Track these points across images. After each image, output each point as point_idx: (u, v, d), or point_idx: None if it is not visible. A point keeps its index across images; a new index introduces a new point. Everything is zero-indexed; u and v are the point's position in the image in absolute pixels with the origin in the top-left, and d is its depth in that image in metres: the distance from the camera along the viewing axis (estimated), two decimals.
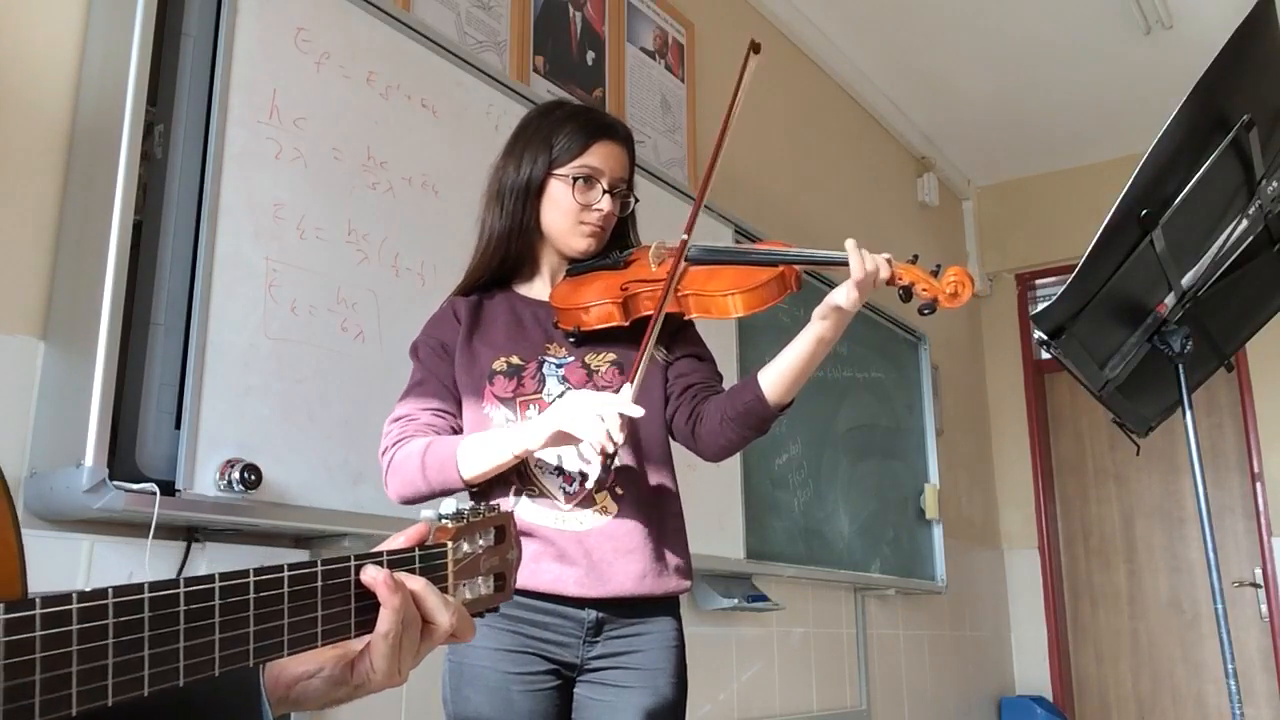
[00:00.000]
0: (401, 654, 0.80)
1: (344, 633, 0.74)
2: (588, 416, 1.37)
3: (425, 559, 0.82)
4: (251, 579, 0.67)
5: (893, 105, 4.95)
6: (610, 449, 1.37)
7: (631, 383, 1.48)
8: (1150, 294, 2.20)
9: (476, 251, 1.65)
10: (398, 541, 0.85)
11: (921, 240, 5.14)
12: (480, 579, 0.88)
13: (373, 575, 0.77)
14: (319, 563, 0.73)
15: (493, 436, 1.46)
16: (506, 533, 0.93)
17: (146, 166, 1.76)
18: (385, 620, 0.78)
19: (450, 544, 0.85)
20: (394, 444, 1.51)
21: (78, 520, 1.65)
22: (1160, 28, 4.25)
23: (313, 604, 0.71)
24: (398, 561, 0.80)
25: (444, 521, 0.87)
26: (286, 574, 0.70)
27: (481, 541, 0.89)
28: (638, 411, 1.41)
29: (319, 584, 0.72)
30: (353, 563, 0.76)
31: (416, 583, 0.80)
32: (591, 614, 1.50)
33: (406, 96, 2.22)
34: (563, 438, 1.40)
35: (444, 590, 0.84)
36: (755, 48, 1.50)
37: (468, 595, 0.86)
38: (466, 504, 0.90)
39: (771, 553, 3.30)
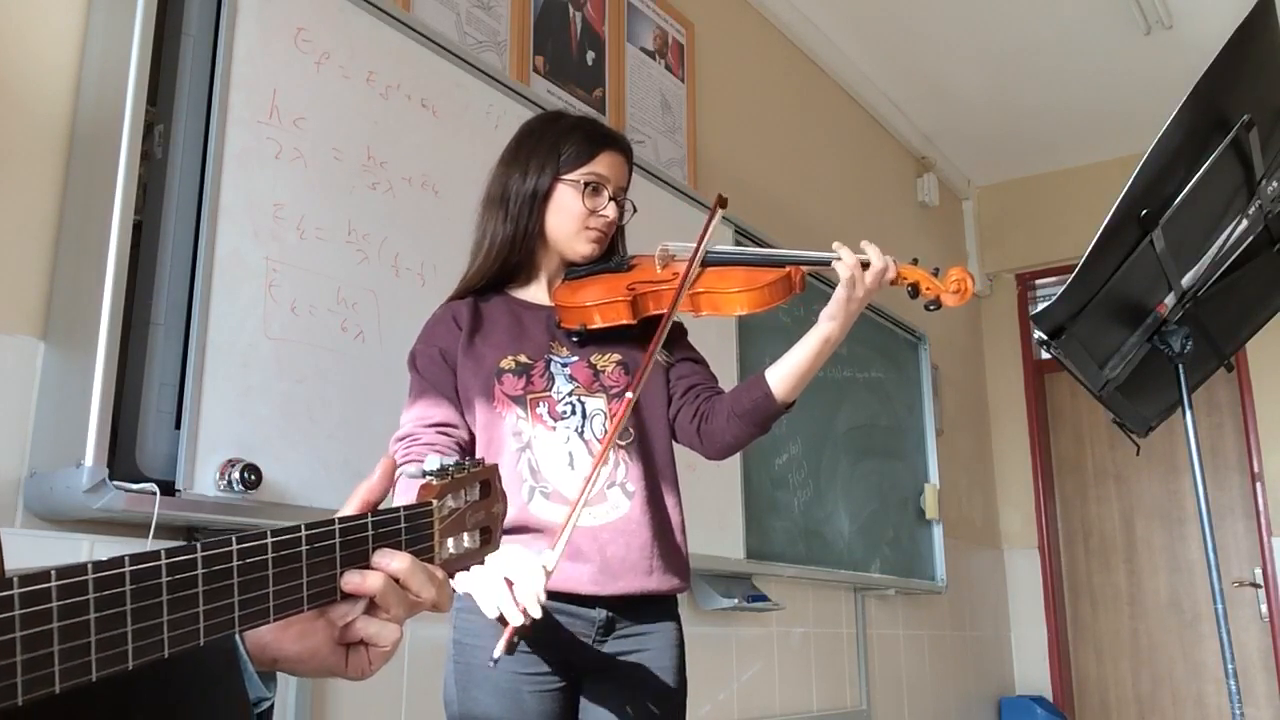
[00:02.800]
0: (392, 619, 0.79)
1: (330, 595, 0.73)
2: (491, 583, 1.29)
3: (411, 518, 0.80)
4: (234, 546, 0.66)
5: (893, 105, 4.94)
6: (516, 620, 1.28)
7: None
8: (1150, 294, 2.20)
9: (476, 256, 1.66)
10: (357, 498, 0.83)
11: (921, 240, 5.13)
12: (466, 534, 0.87)
13: (356, 583, 0.75)
14: (303, 527, 0.71)
15: None
16: (492, 486, 0.91)
17: (146, 166, 1.75)
18: (373, 625, 0.77)
19: (435, 501, 0.83)
20: (400, 465, 1.51)
21: (78, 520, 1.65)
22: (1160, 28, 4.25)
23: (298, 569, 0.70)
24: (381, 522, 0.78)
25: (429, 478, 0.85)
26: (270, 540, 0.68)
27: (467, 496, 0.87)
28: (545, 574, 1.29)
29: (303, 548, 0.71)
30: (337, 525, 0.74)
31: (402, 562, 0.78)
32: (602, 613, 1.52)
33: (406, 96, 2.22)
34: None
35: (429, 548, 0.82)
36: (722, 202, 1.59)
37: (452, 551, 0.85)
38: (451, 460, 0.89)
39: (771, 553, 3.30)
